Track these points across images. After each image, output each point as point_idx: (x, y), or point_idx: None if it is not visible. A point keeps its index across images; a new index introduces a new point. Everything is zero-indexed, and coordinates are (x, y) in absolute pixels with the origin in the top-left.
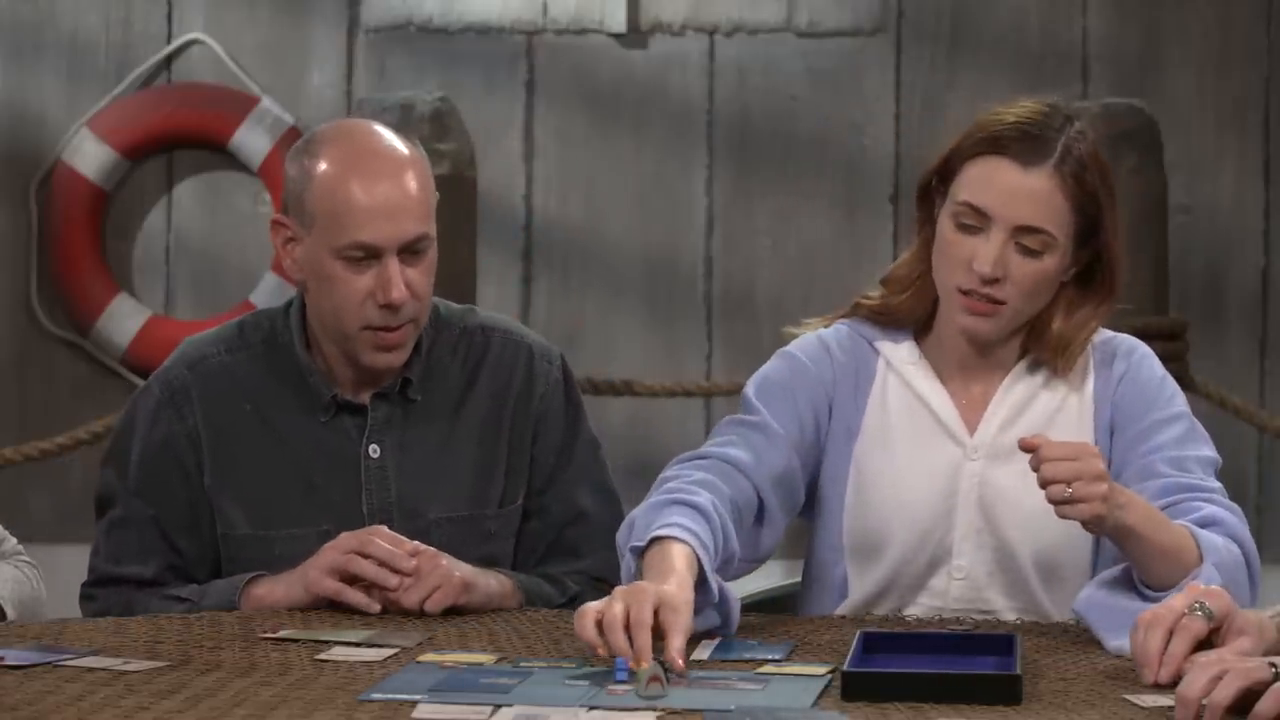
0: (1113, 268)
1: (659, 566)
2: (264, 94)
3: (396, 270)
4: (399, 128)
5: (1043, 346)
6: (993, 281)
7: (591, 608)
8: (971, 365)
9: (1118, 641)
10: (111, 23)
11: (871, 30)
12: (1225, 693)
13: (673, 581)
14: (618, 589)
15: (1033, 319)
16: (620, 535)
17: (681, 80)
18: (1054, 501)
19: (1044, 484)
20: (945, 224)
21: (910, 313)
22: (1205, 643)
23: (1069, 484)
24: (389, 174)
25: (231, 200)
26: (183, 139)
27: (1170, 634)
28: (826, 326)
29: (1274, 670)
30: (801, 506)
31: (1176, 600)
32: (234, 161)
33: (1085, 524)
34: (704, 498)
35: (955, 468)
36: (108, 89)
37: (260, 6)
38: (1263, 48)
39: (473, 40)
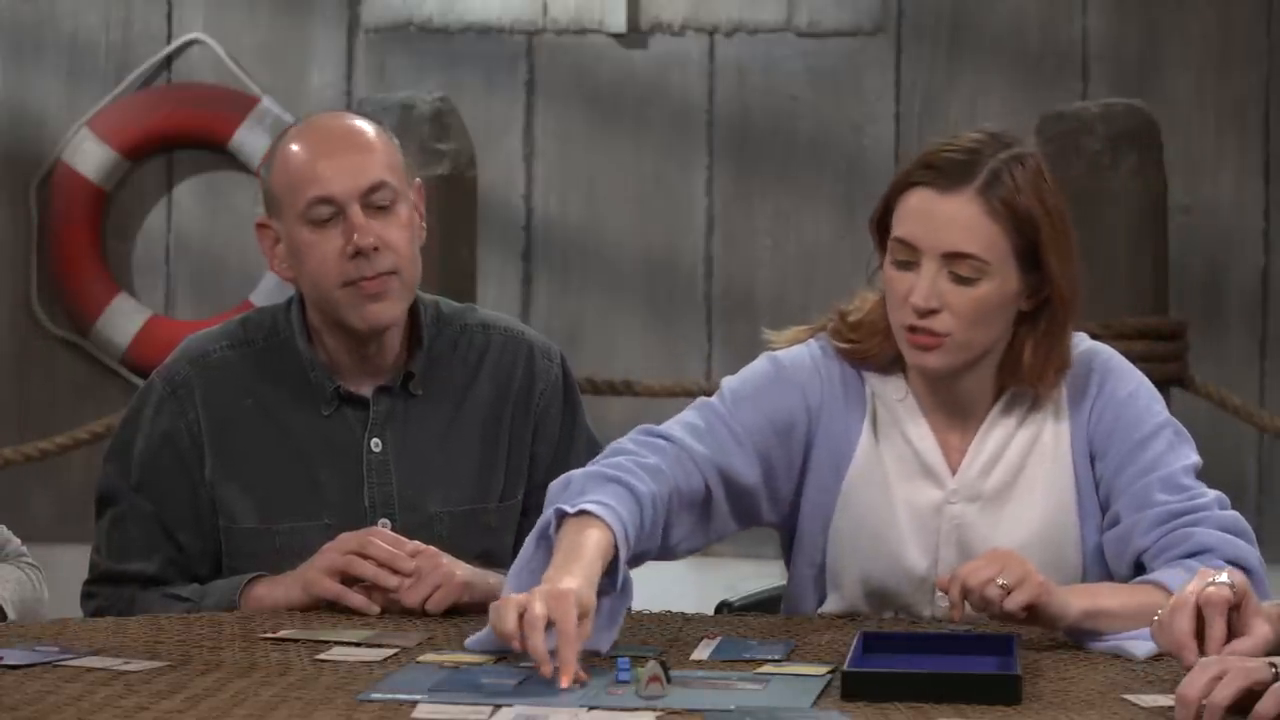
0: (1062, 295)
1: (574, 547)
2: (264, 94)
3: (360, 218)
4: (399, 128)
5: (1018, 379)
6: (929, 313)
7: (513, 600)
8: (948, 405)
9: (1147, 645)
10: (111, 23)
11: (871, 30)
12: (1225, 693)
13: (580, 576)
14: (539, 590)
15: (1003, 353)
16: (554, 487)
17: (681, 80)
18: (994, 600)
19: (978, 599)
20: (886, 264)
21: (884, 354)
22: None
23: (997, 580)
24: (341, 135)
25: (231, 200)
26: (183, 139)
27: (1197, 612)
28: (802, 340)
29: (1274, 670)
30: (763, 521)
31: (1190, 586)
32: (234, 161)
33: (1040, 608)
34: (646, 488)
35: (937, 510)
36: (108, 89)
37: (260, 6)
38: (1263, 48)
39: (473, 40)
